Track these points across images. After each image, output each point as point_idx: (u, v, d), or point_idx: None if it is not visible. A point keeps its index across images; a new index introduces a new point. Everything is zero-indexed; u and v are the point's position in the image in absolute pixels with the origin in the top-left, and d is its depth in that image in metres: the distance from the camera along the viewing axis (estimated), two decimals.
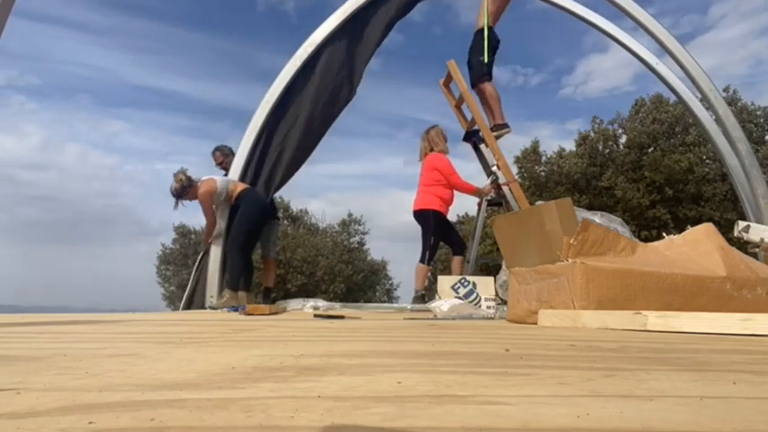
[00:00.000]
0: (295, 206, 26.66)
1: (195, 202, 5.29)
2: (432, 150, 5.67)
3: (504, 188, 5.60)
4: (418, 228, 5.62)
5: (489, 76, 5.69)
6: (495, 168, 5.63)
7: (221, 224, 5.35)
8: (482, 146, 5.83)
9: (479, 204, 5.76)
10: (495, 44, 5.72)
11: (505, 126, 5.74)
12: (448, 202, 5.63)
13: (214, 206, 5.33)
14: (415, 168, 5.84)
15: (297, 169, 5.78)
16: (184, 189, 5.22)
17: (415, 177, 5.82)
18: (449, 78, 6.07)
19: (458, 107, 6.20)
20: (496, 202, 5.75)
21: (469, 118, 6.00)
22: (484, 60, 5.61)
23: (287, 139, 5.67)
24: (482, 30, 5.66)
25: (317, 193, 61.71)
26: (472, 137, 5.99)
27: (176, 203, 5.32)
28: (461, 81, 5.72)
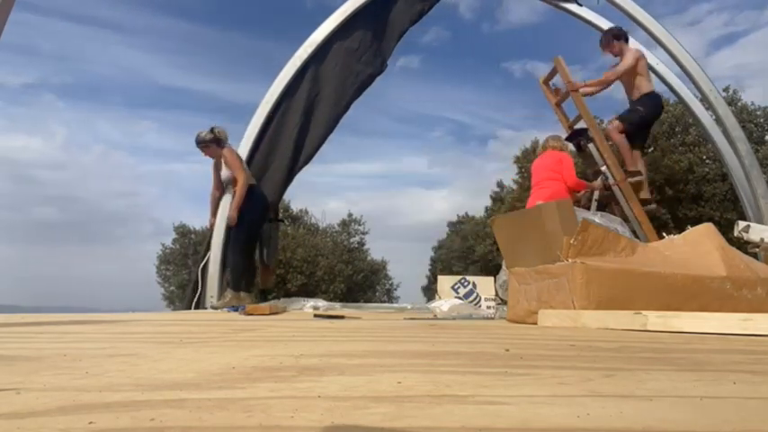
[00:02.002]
0: (295, 206, 26.68)
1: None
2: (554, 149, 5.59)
3: (615, 188, 5.54)
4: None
5: (632, 126, 5.48)
6: (603, 169, 5.52)
7: (223, 211, 5.35)
8: (590, 145, 5.68)
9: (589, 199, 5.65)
10: (658, 110, 5.61)
11: (639, 173, 5.58)
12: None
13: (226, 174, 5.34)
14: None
15: (323, 142, 5.73)
16: (207, 142, 5.29)
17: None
18: (550, 76, 5.96)
19: (558, 105, 6.10)
20: (604, 203, 5.63)
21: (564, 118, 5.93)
22: (644, 116, 5.45)
23: (308, 118, 5.64)
24: (648, 95, 5.46)
25: (336, 192, 62.16)
26: (576, 137, 5.87)
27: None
28: (569, 78, 5.54)
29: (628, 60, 5.37)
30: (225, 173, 5.34)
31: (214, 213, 5.45)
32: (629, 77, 5.46)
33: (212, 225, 5.45)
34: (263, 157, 5.63)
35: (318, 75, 5.69)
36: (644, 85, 5.46)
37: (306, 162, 5.74)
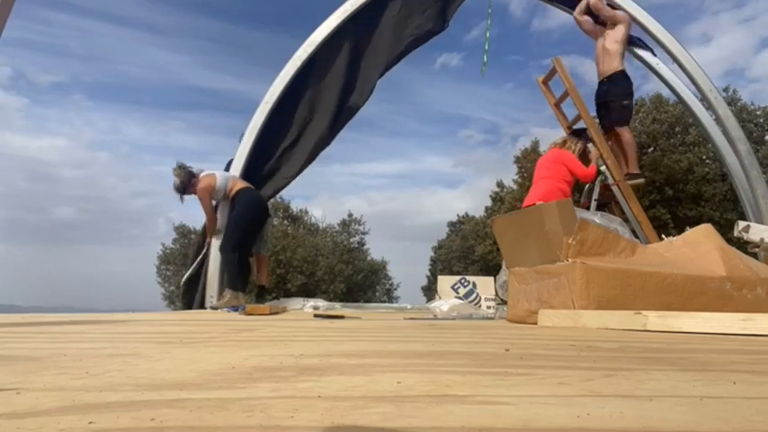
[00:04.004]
0: (295, 206, 26.70)
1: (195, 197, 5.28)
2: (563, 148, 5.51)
3: (614, 188, 5.50)
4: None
5: (629, 122, 5.52)
6: (603, 168, 5.50)
7: (221, 221, 5.32)
8: (590, 145, 5.64)
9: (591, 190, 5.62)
10: (632, 87, 5.55)
11: (641, 176, 5.58)
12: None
13: (214, 202, 5.30)
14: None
15: (374, 86, 5.68)
16: (185, 184, 5.20)
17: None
18: (549, 76, 5.94)
19: (557, 106, 6.07)
20: (604, 203, 5.62)
21: (566, 119, 5.89)
22: (629, 105, 5.43)
23: (356, 63, 5.64)
24: (622, 71, 5.43)
25: (355, 191, 62.43)
26: (576, 137, 5.77)
27: (181, 198, 5.30)
28: (568, 78, 5.52)
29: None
30: (225, 175, 5.31)
31: (210, 237, 5.42)
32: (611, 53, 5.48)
33: (208, 248, 5.41)
34: (307, 106, 5.62)
35: (373, 23, 5.66)
36: (619, 61, 5.47)
37: (355, 108, 5.69)
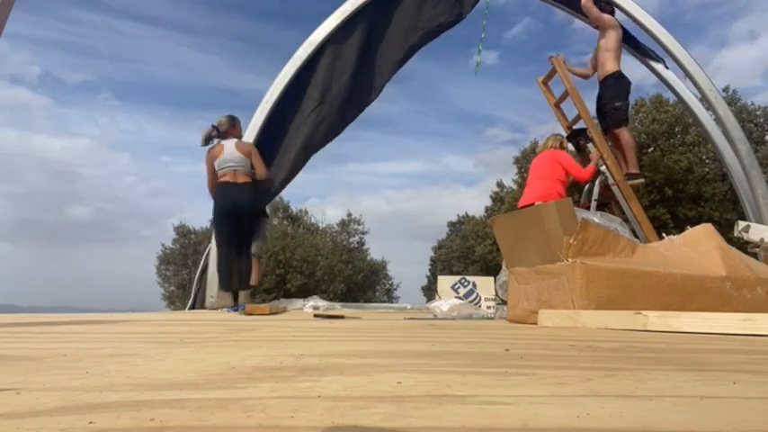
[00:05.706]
0: (295, 206, 26.71)
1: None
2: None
3: (614, 188, 5.51)
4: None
5: (626, 122, 5.52)
6: (603, 168, 5.50)
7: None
8: (590, 145, 5.67)
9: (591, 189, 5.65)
10: (628, 88, 5.52)
11: (641, 176, 5.59)
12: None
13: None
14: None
15: (383, 84, 5.68)
16: (231, 125, 5.24)
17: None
18: (549, 76, 5.95)
19: (557, 105, 6.08)
20: (604, 202, 5.62)
21: (566, 119, 5.92)
22: (622, 107, 5.43)
23: (366, 58, 5.64)
24: (613, 75, 5.44)
25: (373, 190, 62.64)
26: (576, 137, 5.85)
27: (209, 140, 5.25)
28: (568, 78, 5.56)
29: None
30: (231, 155, 5.10)
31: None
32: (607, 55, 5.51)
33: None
34: (316, 99, 5.62)
35: (386, 14, 5.67)
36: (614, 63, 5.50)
37: (363, 105, 5.70)
